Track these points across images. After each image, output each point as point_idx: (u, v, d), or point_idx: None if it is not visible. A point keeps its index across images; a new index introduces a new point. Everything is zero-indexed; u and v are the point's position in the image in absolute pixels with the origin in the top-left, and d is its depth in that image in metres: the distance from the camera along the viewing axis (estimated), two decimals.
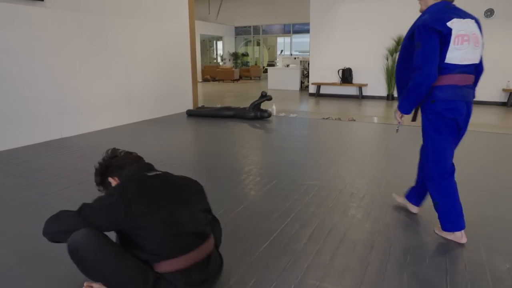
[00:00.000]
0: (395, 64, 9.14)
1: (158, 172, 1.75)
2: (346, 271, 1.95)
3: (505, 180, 3.41)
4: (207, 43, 19.27)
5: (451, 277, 1.90)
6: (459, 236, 2.22)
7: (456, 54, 2.04)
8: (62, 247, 2.17)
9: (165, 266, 1.52)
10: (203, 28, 16.82)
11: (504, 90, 8.41)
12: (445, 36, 2.02)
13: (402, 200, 2.73)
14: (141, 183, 1.62)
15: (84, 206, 1.57)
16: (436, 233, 2.34)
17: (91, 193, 3.02)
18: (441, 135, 2.16)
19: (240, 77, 17.52)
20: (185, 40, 7.28)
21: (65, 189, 3.12)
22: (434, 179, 2.21)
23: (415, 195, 2.59)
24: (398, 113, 2.33)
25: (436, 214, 2.28)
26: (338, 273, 1.93)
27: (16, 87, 4.49)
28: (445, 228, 2.24)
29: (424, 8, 2.21)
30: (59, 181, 3.31)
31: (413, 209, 2.64)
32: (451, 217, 2.19)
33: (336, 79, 10.11)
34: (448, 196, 2.19)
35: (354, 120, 6.54)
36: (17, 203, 2.85)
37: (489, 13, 8.27)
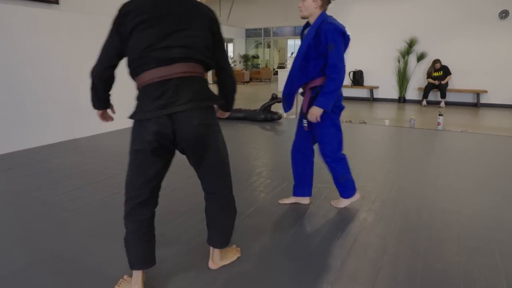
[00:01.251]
0: (404, 66, 8.93)
1: None
2: (357, 275, 1.94)
3: None
4: None
5: (465, 282, 1.86)
6: (357, 195, 2.78)
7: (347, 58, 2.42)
8: (74, 252, 2.20)
9: (138, 80, 1.64)
10: None
11: None
12: (347, 42, 2.41)
13: (293, 200, 2.85)
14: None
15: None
16: (335, 207, 2.76)
17: (104, 193, 3.06)
18: (339, 123, 2.56)
19: (251, 79, 17.55)
20: None
21: (77, 190, 3.16)
22: (341, 157, 2.60)
23: (306, 187, 2.78)
24: (320, 112, 2.38)
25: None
26: (349, 278, 1.91)
27: (31, 89, 4.58)
28: (351, 194, 2.73)
29: (308, 14, 2.42)
30: (72, 182, 3.36)
31: (306, 200, 2.84)
32: (353, 183, 2.71)
33: (347, 81, 10.06)
34: (349, 168, 2.66)
35: (365, 123, 6.49)
36: (31, 203, 2.90)
37: (504, 14, 8.13)
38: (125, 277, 1.87)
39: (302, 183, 2.78)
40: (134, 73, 1.65)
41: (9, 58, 4.33)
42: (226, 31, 18.27)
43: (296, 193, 2.83)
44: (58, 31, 4.81)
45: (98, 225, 2.51)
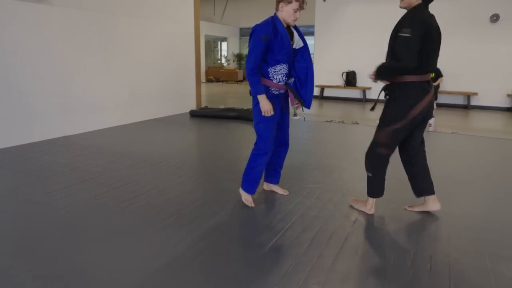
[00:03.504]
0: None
1: None
2: (348, 276, 1.93)
3: (509, 186, 3.38)
4: (212, 44, 19.29)
5: (454, 283, 1.87)
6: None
7: None
8: (62, 251, 2.17)
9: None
10: (208, 29, 16.84)
11: (508, 95, 8.36)
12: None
13: (281, 191, 3.05)
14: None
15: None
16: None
17: (93, 191, 3.03)
18: None
19: (244, 79, 17.53)
20: (190, 40, 7.29)
21: (67, 188, 3.11)
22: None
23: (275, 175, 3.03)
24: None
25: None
26: (340, 278, 1.91)
27: (21, 85, 4.50)
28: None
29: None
30: (62, 179, 3.31)
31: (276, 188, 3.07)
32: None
33: (340, 81, 10.09)
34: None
35: (358, 123, 6.52)
36: (20, 201, 2.85)
37: (495, 18, 8.22)
38: None
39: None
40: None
41: None
42: (220, 30, 18.23)
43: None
44: (48, 26, 4.74)
45: (86, 224, 2.48)
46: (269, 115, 2.59)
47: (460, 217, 2.65)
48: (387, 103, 2.60)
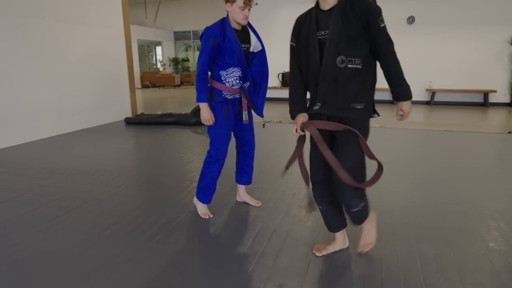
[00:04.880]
0: None
1: None
2: (289, 270, 1.99)
3: (430, 173, 3.72)
4: (145, 49, 18.69)
5: (385, 265, 2.02)
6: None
7: None
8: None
9: None
10: (140, 33, 16.30)
11: (427, 90, 9.20)
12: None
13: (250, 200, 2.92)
14: None
15: None
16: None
17: (15, 213, 2.77)
18: None
19: (182, 83, 17.23)
20: (121, 45, 6.99)
21: None
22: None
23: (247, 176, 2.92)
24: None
25: None
26: (281, 273, 1.96)
27: None
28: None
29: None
30: None
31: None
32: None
33: (277, 82, 10.36)
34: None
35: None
36: None
37: (411, 20, 9.01)
38: None
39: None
40: None
41: None
42: (153, 34, 17.73)
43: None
44: None
45: (8, 249, 2.26)
46: (209, 124, 2.50)
47: (388, 205, 2.85)
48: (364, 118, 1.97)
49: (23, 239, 2.36)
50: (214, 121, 2.51)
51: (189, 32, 19.03)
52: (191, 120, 6.34)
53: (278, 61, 10.68)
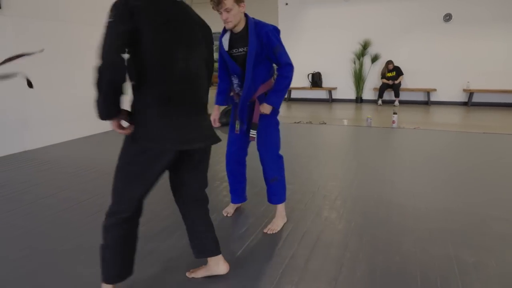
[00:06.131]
0: (360, 67, 9.19)
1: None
2: (320, 273, 1.97)
3: (468, 176, 3.56)
4: None
5: (421, 272, 1.95)
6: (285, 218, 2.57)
7: None
8: (30, 266, 2.07)
9: None
10: None
11: (464, 90, 8.82)
12: None
13: (232, 208, 2.77)
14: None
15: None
16: (268, 232, 2.43)
17: (57, 207, 2.90)
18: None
19: (212, 83, 17.40)
20: None
21: (29, 205, 2.97)
22: (280, 156, 2.50)
23: (243, 193, 2.76)
24: (270, 110, 2.35)
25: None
26: (313, 276, 1.94)
27: None
28: (281, 199, 2.52)
29: (237, 23, 2.24)
30: (23, 197, 3.16)
31: (237, 206, 2.82)
32: (284, 188, 2.54)
33: (306, 83, 10.26)
34: (284, 170, 2.55)
35: (325, 123, 6.65)
36: None
37: (448, 17, 8.67)
38: None
39: (240, 190, 2.73)
40: None
41: None
42: None
43: (235, 201, 2.76)
44: (1, 37, 4.53)
45: (51, 242, 2.37)
46: (215, 125, 2.39)
47: (423, 210, 2.76)
48: None
49: (64, 234, 2.47)
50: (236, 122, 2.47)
51: (219, 33, 19.18)
52: (222, 121, 6.37)
53: (308, 61, 10.65)
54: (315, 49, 10.12)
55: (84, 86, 5.86)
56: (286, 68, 2.29)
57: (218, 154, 4.59)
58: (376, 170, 3.77)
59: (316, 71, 10.16)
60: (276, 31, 2.32)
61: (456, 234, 2.36)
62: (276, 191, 2.51)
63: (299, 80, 10.22)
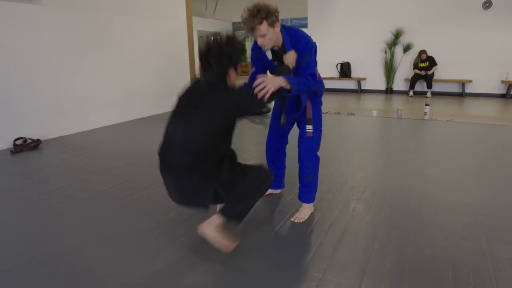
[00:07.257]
0: (391, 57, 8.90)
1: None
2: (348, 263, 1.96)
3: (504, 171, 3.42)
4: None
5: (452, 267, 1.90)
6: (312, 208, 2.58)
7: None
8: (66, 246, 2.18)
9: None
10: (201, 24, 16.75)
11: (503, 82, 8.40)
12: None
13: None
14: None
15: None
16: (295, 221, 2.44)
17: (91, 190, 3.03)
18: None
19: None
20: (183, 36, 7.25)
21: (65, 187, 3.11)
22: (317, 157, 2.57)
23: (282, 180, 2.86)
24: (282, 81, 2.06)
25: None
26: (340, 265, 1.93)
27: (14, 86, 4.48)
28: (311, 199, 2.53)
29: (274, 41, 2.24)
30: (59, 180, 3.31)
31: (278, 191, 2.90)
32: (316, 188, 2.56)
33: (335, 73, 10.09)
34: (318, 171, 2.59)
35: (354, 114, 6.54)
36: (18, 202, 2.85)
37: (488, 4, 8.23)
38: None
39: (279, 177, 2.80)
40: None
41: None
42: (212, 25, 18.13)
43: (271, 187, 2.74)
44: (40, 27, 4.71)
45: (86, 223, 2.48)
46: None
47: (455, 203, 2.68)
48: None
49: (96, 216, 2.58)
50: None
51: None
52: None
53: (337, 51, 10.46)
54: (344, 38, 9.91)
55: (117, 74, 6.07)
56: (308, 78, 2.25)
57: (245, 143, 4.62)
58: (406, 162, 3.68)
59: (345, 61, 9.96)
60: (312, 43, 2.31)
61: (490, 229, 2.28)
62: (308, 190, 2.53)
63: (328, 70, 10.06)
